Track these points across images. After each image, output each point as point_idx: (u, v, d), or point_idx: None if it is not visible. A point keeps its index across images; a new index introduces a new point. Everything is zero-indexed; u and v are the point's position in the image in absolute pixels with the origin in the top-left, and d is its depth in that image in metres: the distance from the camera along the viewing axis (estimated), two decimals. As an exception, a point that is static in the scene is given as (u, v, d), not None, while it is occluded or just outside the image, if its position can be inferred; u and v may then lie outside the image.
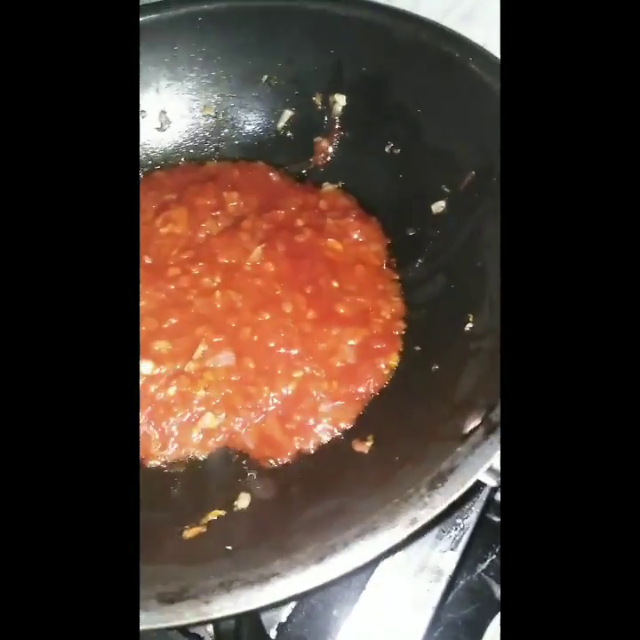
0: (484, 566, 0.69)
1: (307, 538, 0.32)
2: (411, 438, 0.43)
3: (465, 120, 0.53)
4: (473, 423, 0.35)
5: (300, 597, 0.28)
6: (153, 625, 0.28)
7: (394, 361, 0.53)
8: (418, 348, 0.53)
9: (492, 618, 0.59)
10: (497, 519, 0.71)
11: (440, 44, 0.53)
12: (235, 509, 0.44)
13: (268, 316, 0.54)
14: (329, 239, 0.60)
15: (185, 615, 0.28)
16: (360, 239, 0.61)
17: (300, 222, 0.61)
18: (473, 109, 0.52)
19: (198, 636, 0.50)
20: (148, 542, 0.40)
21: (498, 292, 0.47)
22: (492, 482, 0.35)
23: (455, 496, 0.30)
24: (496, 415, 0.33)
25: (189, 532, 0.41)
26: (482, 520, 0.68)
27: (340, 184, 0.65)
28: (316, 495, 0.42)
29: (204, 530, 0.42)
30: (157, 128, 0.69)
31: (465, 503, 0.50)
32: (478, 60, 0.50)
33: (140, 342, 0.52)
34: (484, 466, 0.31)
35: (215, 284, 0.55)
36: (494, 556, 0.69)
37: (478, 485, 0.33)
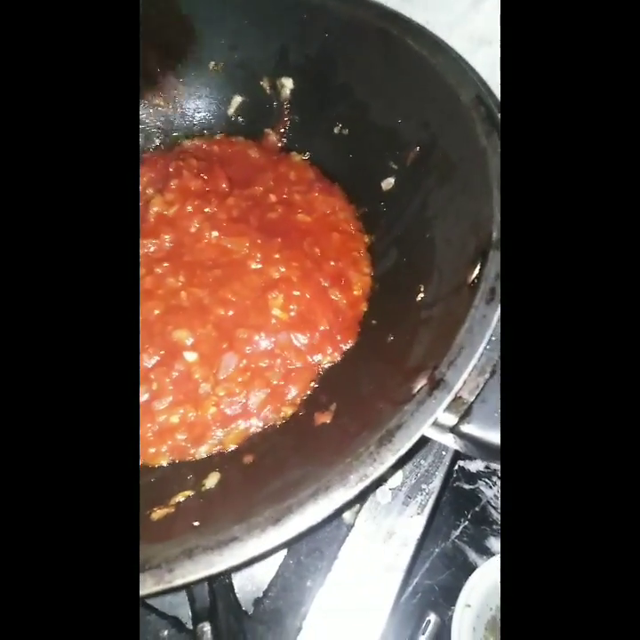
0: (457, 533, 0.72)
1: (267, 505, 0.34)
2: (367, 407, 0.45)
3: (406, 96, 0.55)
4: (420, 383, 0.36)
5: (261, 559, 0.29)
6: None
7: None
8: (374, 322, 0.55)
9: (465, 580, 0.62)
10: (467, 487, 0.74)
11: (377, 21, 0.54)
12: (203, 489, 0.45)
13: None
14: (299, 214, 0.61)
15: (147, 584, 0.29)
16: (328, 211, 0.62)
17: (272, 198, 0.63)
18: (413, 85, 0.53)
19: (177, 617, 0.50)
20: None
21: (445, 261, 0.49)
22: (441, 439, 0.37)
23: (403, 451, 0.32)
24: (440, 373, 0.34)
25: (157, 514, 0.42)
26: (452, 489, 0.71)
27: (307, 155, 0.67)
28: (282, 467, 0.43)
29: (172, 510, 0.42)
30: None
31: (413, 457, 0.52)
32: (414, 35, 0.51)
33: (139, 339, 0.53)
34: (429, 420, 0.33)
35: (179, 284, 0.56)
36: (466, 523, 0.72)
37: (425, 440, 0.35)
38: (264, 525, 0.30)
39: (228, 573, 0.30)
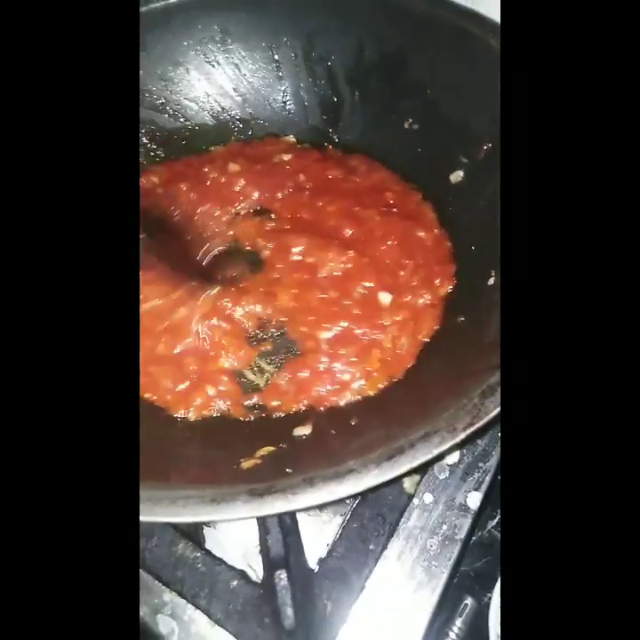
0: (493, 523, 0.74)
1: (365, 452, 0.36)
2: (443, 378, 0.47)
3: (480, 93, 0.57)
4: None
5: (374, 490, 0.32)
6: (246, 514, 0.32)
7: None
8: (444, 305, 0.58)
9: (502, 569, 0.64)
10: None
11: (457, 20, 0.57)
12: (295, 434, 0.48)
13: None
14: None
15: (275, 505, 0.32)
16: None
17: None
18: (488, 82, 0.56)
19: (244, 571, 0.53)
20: (208, 473, 0.44)
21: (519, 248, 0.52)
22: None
23: (503, 404, 0.34)
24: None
25: (246, 463, 0.45)
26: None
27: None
28: (362, 429, 0.46)
29: (259, 462, 0.45)
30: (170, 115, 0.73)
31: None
32: (496, 34, 0.54)
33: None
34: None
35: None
36: (502, 513, 0.74)
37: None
38: (378, 461, 0.33)
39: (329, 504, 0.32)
